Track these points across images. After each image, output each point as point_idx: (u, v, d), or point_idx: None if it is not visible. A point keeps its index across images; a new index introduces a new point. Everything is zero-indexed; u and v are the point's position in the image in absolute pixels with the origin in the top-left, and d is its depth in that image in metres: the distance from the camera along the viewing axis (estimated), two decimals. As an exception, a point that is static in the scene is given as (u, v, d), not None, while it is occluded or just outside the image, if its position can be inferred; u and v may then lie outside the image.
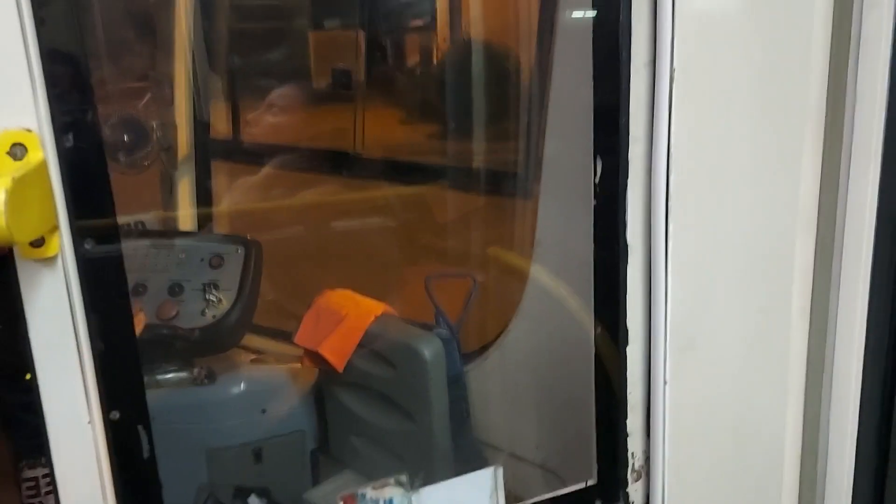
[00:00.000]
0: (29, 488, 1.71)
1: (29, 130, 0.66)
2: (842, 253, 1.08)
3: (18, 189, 0.61)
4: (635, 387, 1.10)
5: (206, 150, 2.05)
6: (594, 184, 1.07)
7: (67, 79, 0.72)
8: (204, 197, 2.08)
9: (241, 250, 1.68)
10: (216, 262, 1.68)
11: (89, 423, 0.72)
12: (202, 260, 1.68)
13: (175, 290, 1.64)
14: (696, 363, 1.10)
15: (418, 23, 2.24)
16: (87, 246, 0.74)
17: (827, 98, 1.06)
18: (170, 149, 1.92)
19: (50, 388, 0.71)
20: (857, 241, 1.03)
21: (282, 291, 1.80)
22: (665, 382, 1.08)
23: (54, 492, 1.42)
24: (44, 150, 0.68)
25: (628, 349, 1.08)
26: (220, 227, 2.10)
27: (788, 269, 1.12)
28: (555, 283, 1.39)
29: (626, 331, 1.07)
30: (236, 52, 2.25)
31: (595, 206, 1.07)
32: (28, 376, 0.71)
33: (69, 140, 0.72)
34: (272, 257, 1.76)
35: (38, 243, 0.68)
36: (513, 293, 1.46)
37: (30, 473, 1.73)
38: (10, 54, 0.66)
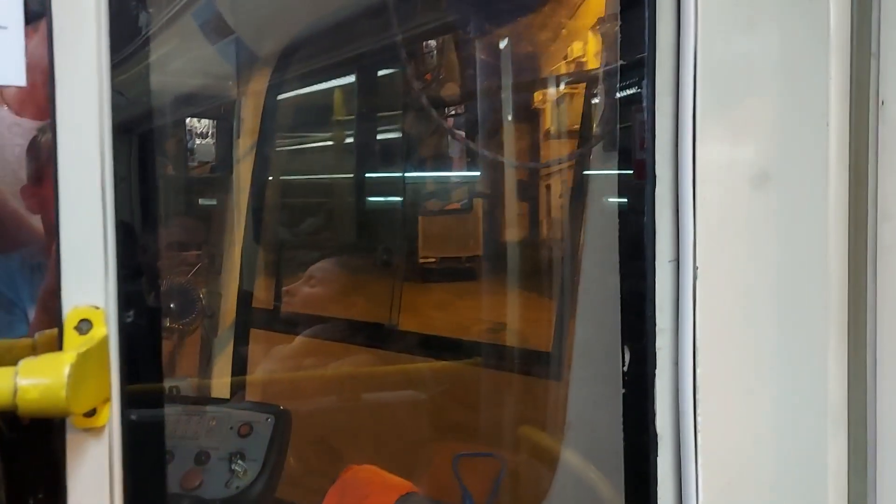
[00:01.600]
0: None
1: (96, 307, 0.72)
2: (876, 449, 1.07)
3: (81, 363, 0.65)
4: (668, 586, 1.05)
5: (247, 319, 2.13)
6: (622, 371, 1.09)
7: (136, 259, 0.79)
8: (239, 364, 2.12)
9: (270, 420, 1.69)
10: (245, 430, 1.69)
11: None
12: (231, 428, 1.70)
13: (201, 458, 1.65)
14: (731, 564, 1.06)
15: (455, 206, 2.38)
16: (133, 417, 0.77)
17: (848, 296, 1.10)
18: (213, 316, 2.00)
19: (80, 560, 0.72)
20: (892, 444, 1.02)
21: (307, 464, 1.79)
22: (699, 583, 1.03)
23: None
24: (107, 326, 0.73)
25: (660, 544, 1.05)
26: (252, 395, 2.12)
27: (822, 465, 1.10)
28: (586, 468, 1.37)
29: (657, 525, 1.05)
30: (283, 226, 2.39)
31: (624, 395, 1.08)
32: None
33: (130, 316, 0.77)
34: (301, 428, 1.76)
35: (90, 413, 0.71)
36: (542, 477, 1.44)
37: None
38: (88, 236, 0.73)
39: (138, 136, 0.84)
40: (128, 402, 0.77)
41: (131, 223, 0.80)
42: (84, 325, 0.71)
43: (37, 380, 0.62)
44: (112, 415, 0.74)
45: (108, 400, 0.73)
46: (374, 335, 2.09)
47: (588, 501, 1.33)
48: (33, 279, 1.67)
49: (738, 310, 1.05)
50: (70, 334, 0.70)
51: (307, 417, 1.87)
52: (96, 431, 0.72)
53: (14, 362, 0.67)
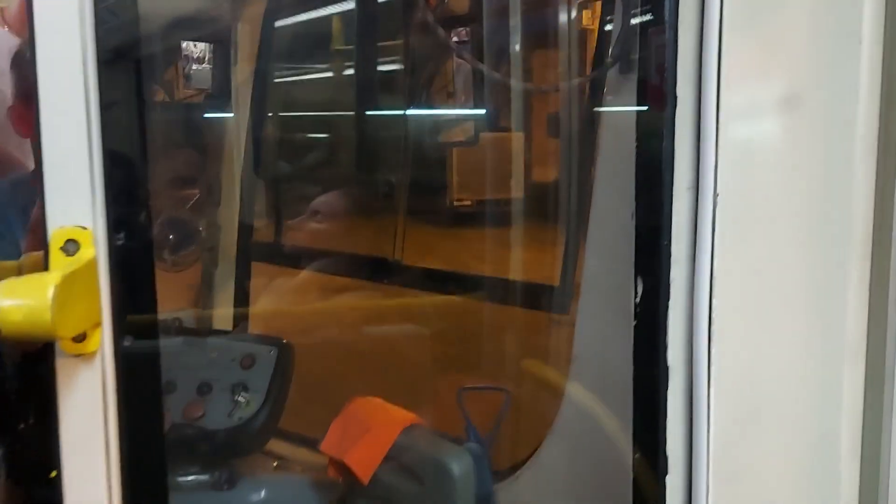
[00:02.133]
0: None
1: (84, 228, 0.68)
2: (894, 385, 1.04)
3: (67, 285, 0.61)
4: (675, 519, 1.04)
5: (248, 252, 2.09)
6: (634, 304, 1.05)
7: (125, 180, 0.75)
8: (241, 297, 2.10)
9: (273, 352, 1.68)
10: (247, 362, 1.68)
11: (109, 526, 0.70)
12: (233, 360, 1.68)
13: (203, 389, 1.64)
14: (740, 497, 1.04)
15: (460, 139, 2.31)
16: (127, 343, 0.74)
17: (873, 227, 1.05)
18: (213, 249, 1.96)
19: (75, 487, 0.70)
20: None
21: (311, 397, 1.78)
22: (707, 516, 1.02)
23: None
24: (95, 248, 0.69)
25: (668, 479, 1.03)
26: (255, 328, 2.11)
27: (837, 400, 1.08)
28: (592, 402, 1.35)
29: (666, 459, 1.03)
30: (283, 159, 2.33)
31: (635, 326, 1.05)
32: (53, 474, 0.69)
33: (120, 238, 0.73)
34: (304, 361, 1.75)
35: (80, 338, 0.68)
36: (547, 410, 1.42)
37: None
38: (73, 155, 0.69)
39: (126, 56, 0.78)
40: (121, 328, 0.73)
41: (119, 144, 0.75)
42: (70, 246, 0.67)
43: (20, 300, 0.58)
44: (104, 340, 0.71)
45: (98, 325, 0.69)
46: (378, 269, 2.06)
47: (594, 434, 1.32)
48: (25, 207, 1.63)
49: (759, 240, 1.01)
50: (56, 255, 0.66)
51: (310, 350, 1.85)
52: (87, 357, 0.69)
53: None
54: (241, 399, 1.64)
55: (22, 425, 1.46)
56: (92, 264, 0.67)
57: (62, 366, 0.68)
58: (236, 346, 1.71)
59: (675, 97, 0.98)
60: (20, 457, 1.47)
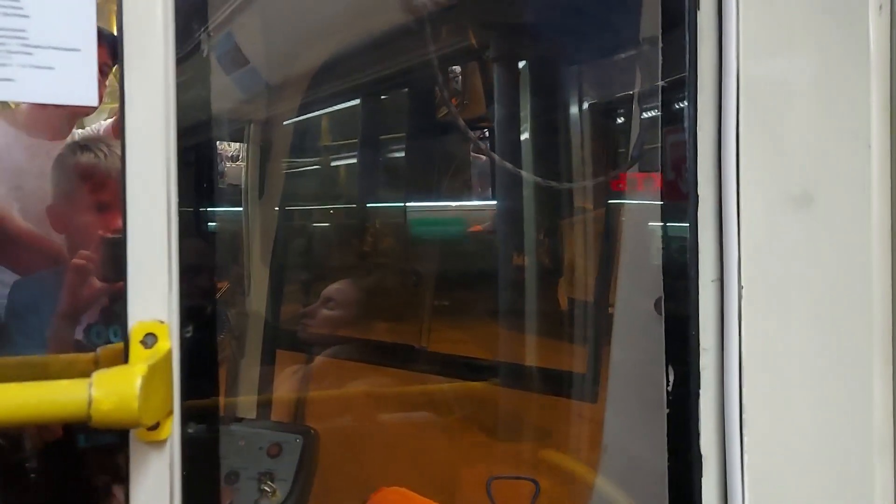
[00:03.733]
0: None
1: (161, 322, 0.73)
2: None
3: (150, 375, 0.66)
4: None
5: (274, 340, 2.13)
6: (666, 391, 1.08)
7: (196, 275, 0.80)
8: (266, 385, 2.13)
9: (299, 440, 1.69)
10: (274, 450, 1.69)
11: None
12: (260, 448, 1.69)
13: (231, 478, 1.64)
14: (777, 587, 1.04)
15: (478, 229, 2.38)
16: (191, 430, 0.78)
17: (893, 316, 1.09)
18: (240, 337, 2.01)
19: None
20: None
21: (337, 485, 1.78)
22: None
23: None
24: (170, 340, 0.74)
25: (705, 568, 1.04)
26: (278, 415, 2.12)
27: (870, 491, 1.09)
28: (621, 492, 1.36)
29: (703, 547, 1.04)
30: (309, 251, 2.41)
31: (668, 415, 1.08)
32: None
33: (189, 331, 0.79)
34: (330, 449, 1.76)
35: (154, 426, 0.72)
36: (578, 501, 1.43)
37: None
38: (155, 255, 0.75)
39: (197, 156, 0.85)
40: (187, 416, 0.78)
41: (192, 240, 0.81)
42: (149, 339, 0.72)
43: (110, 391, 0.63)
44: (173, 429, 0.75)
45: (170, 413, 0.73)
46: (401, 356, 2.09)
47: (624, 525, 1.32)
48: (51, 301, 1.67)
49: (783, 329, 1.05)
50: (136, 348, 0.71)
51: (336, 438, 1.86)
52: (158, 445, 0.73)
53: (76, 376, 0.68)
54: (267, 488, 1.64)
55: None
56: (168, 357, 0.72)
57: (136, 452, 0.72)
58: (264, 435, 1.72)
59: (697, 196, 1.04)
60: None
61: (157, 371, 0.69)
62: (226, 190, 1.96)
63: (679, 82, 1.07)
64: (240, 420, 1.93)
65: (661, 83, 1.10)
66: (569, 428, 1.61)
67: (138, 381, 0.63)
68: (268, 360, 2.15)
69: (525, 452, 1.75)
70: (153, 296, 0.73)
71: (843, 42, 1.08)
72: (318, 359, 2.13)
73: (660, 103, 1.10)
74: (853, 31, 1.08)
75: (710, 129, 1.06)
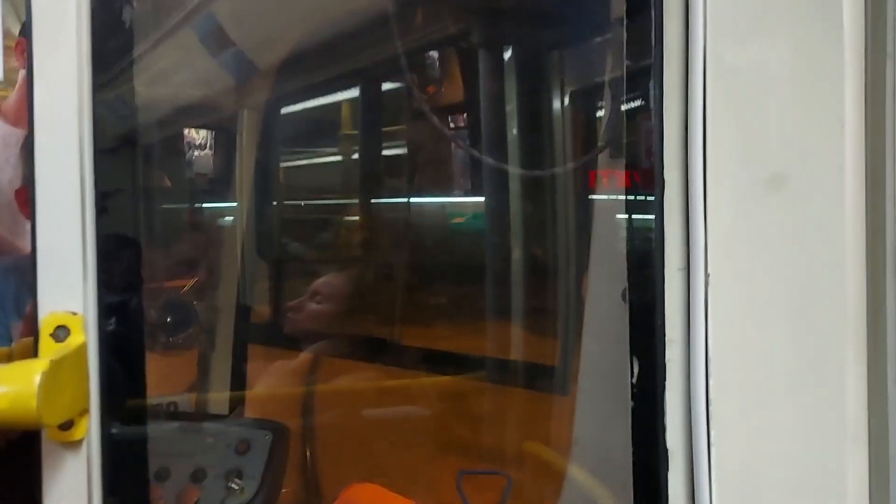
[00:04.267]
0: None
1: (74, 313, 0.68)
2: (899, 468, 1.02)
3: (54, 371, 0.61)
4: None
5: (245, 334, 2.09)
6: (631, 384, 1.04)
7: (119, 267, 0.76)
8: (238, 380, 2.08)
9: (268, 436, 1.65)
10: (242, 447, 1.65)
11: None
12: (228, 445, 1.65)
13: (198, 475, 1.60)
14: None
15: (459, 221, 2.34)
16: (114, 430, 0.73)
17: (867, 304, 1.05)
18: (211, 331, 1.96)
19: (54, 582, 0.68)
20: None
21: (307, 481, 1.74)
22: None
23: None
24: (86, 334, 0.69)
25: (671, 566, 1.00)
26: (252, 411, 2.08)
27: (841, 485, 1.05)
28: (593, 485, 1.32)
29: (669, 544, 1.00)
30: (284, 240, 2.36)
31: (633, 408, 1.04)
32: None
33: (111, 324, 0.74)
34: (300, 444, 1.72)
35: (67, 426, 0.67)
36: (549, 494, 1.39)
37: None
38: (67, 242, 0.70)
39: (124, 145, 0.80)
40: (109, 415, 0.73)
41: (114, 230, 0.76)
42: (61, 332, 0.67)
43: (5, 388, 0.58)
44: (91, 428, 0.70)
45: (86, 412, 0.69)
46: (377, 350, 2.05)
47: (596, 520, 1.28)
48: (19, 293, 1.64)
49: (752, 319, 1.01)
50: (45, 341, 0.66)
51: (306, 434, 1.82)
52: (73, 445, 0.68)
53: (-9, 371, 0.63)
54: (235, 486, 1.60)
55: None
56: (81, 351, 0.68)
57: (47, 453, 0.68)
58: (232, 431, 1.68)
59: (663, 181, 1.00)
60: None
61: (65, 366, 0.64)
62: (194, 180, 1.92)
63: (645, 64, 1.03)
64: (208, 417, 1.89)
65: (625, 63, 1.05)
66: (545, 421, 1.57)
67: (37, 378, 0.58)
68: (240, 354, 2.10)
69: (501, 446, 1.71)
70: (65, 285, 0.68)
71: (816, 21, 1.04)
72: (299, 353, 2.09)
73: (624, 85, 1.06)
74: (827, 10, 1.03)
75: (677, 113, 1.01)
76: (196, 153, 1.91)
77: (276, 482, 1.61)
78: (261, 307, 2.28)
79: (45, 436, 0.68)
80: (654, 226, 1.01)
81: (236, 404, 2.09)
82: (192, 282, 1.94)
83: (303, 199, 2.52)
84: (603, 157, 1.27)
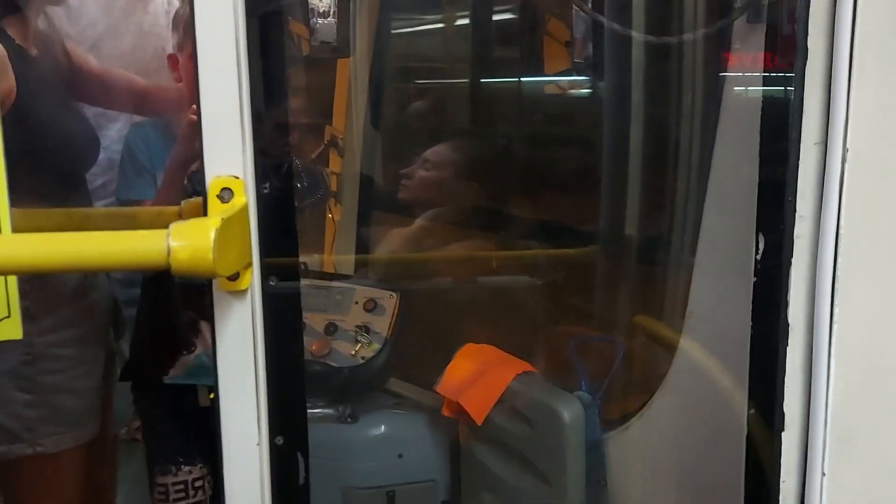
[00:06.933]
0: (160, 493, 1.87)
1: (236, 177, 0.75)
2: None
3: (225, 228, 0.69)
4: (790, 476, 1.04)
5: (370, 201, 2.18)
6: (755, 260, 1.04)
7: (269, 136, 0.82)
8: (363, 244, 2.20)
9: (393, 297, 1.76)
10: (370, 305, 1.77)
11: (258, 444, 0.79)
12: (357, 302, 1.78)
13: (330, 329, 1.74)
14: (858, 457, 1.03)
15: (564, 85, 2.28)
16: (272, 283, 0.82)
17: None
18: (338, 196, 2.06)
19: (229, 409, 0.79)
20: None
21: (428, 340, 1.86)
22: (823, 474, 1.02)
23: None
24: (246, 196, 0.76)
25: (784, 435, 1.03)
26: (375, 274, 2.20)
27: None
28: (705, 357, 1.35)
29: (783, 415, 1.03)
30: (400, 111, 2.39)
31: (755, 283, 1.04)
32: (211, 395, 0.79)
33: (266, 187, 0.81)
34: (421, 307, 1.83)
35: (234, 277, 0.76)
36: (660, 364, 1.43)
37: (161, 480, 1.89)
38: (227, 113, 0.76)
39: (268, 16, 0.84)
40: (267, 269, 0.81)
41: (265, 100, 0.81)
42: (226, 194, 0.75)
43: (186, 241, 0.66)
44: (253, 280, 0.79)
45: (249, 265, 0.77)
46: (489, 220, 2.10)
47: (707, 390, 1.32)
48: (165, 146, 1.77)
49: (890, 200, 0.97)
50: (213, 202, 0.74)
51: (428, 297, 1.93)
52: (239, 294, 0.77)
53: (164, 226, 0.71)
54: (363, 339, 1.74)
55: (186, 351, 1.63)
56: (244, 211, 0.75)
57: (218, 301, 0.77)
58: (360, 291, 1.81)
59: (806, 49, 0.95)
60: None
61: (232, 224, 0.72)
62: (317, 47, 1.95)
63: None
64: (336, 276, 2.03)
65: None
66: (658, 294, 1.59)
67: (213, 233, 0.66)
68: (364, 220, 2.20)
69: (616, 317, 1.75)
70: (227, 152, 0.75)
71: None
72: (416, 221, 2.17)
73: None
74: None
75: (827, -29, 0.94)
76: (319, 21, 1.94)
77: (400, 338, 1.73)
78: (380, 176, 2.36)
79: (216, 285, 0.77)
80: (792, 97, 0.97)
81: (360, 267, 2.22)
82: (319, 149, 2.02)
83: (415, 68, 2.52)
84: (740, 25, 1.21)
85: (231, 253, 0.72)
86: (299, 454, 0.84)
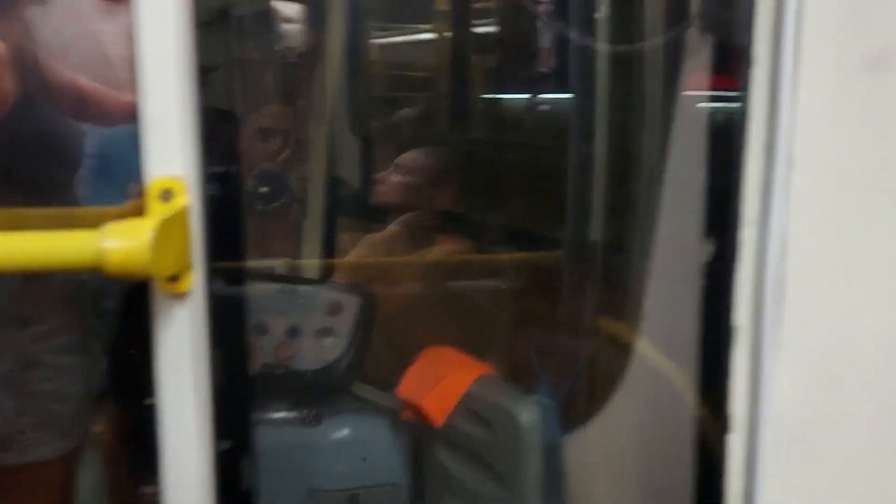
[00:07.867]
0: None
1: (178, 178, 0.75)
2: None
3: (163, 228, 0.69)
4: (737, 477, 1.06)
5: (336, 205, 2.18)
6: (703, 264, 1.06)
7: (217, 135, 0.81)
8: (328, 248, 2.19)
9: (357, 300, 1.76)
10: (334, 309, 1.77)
11: (199, 451, 0.78)
12: (321, 307, 1.77)
13: (293, 332, 1.74)
14: (805, 459, 1.04)
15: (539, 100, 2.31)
16: (216, 286, 0.82)
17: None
18: (302, 201, 2.05)
19: (170, 413, 0.78)
20: None
21: (390, 344, 1.86)
22: (770, 476, 1.03)
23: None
24: (189, 196, 0.76)
25: (730, 437, 1.05)
26: (340, 279, 2.20)
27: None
28: (661, 359, 1.36)
29: (729, 417, 1.04)
30: (374, 116, 2.40)
31: (703, 287, 1.06)
32: (151, 401, 0.78)
33: (211, 189, 0.80)
34: (385, 311, 1.83)
35: (174, 279, 0.76)
36: (618, 367, 1.45)
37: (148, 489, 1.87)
38: (169, 111, 0.76)
39: (217, 18, 0.84)
40: (211, 272, 0.81)
41: (212, 101, 0.81)
42: (166, 195, 0.74)
43: (122, 241, 0.66)
44: (195, 283, 0.78)
45: (190, 268, 0.77)
46: (457, 225, 2.10)
47: (662, 392, 1.33)
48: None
49: (838, 206, 0.98)
50: (153, 203, 0.74)
51: (392, 302, 1.93)
52: (180, 296, 0.77)
53: (106, 228, 0.71)
54: (326, 343, 1.73)
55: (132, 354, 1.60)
56: (185, 212, 0.75)
57: (158, 304, 0.76)
58: (324, 294, 1.80)
59: (751, 57, 0.97)
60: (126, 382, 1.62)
61: (172, 225, 0.71)
62: (282, 52, 1.95)
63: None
64: (301, 280, 2.02)
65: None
66: (623, 298, 1.61)
67: (149, 233, 0.66)
68: (330, 224, 2.20)
69: (579, 320, 1.76)
70: (169, 151, 0.75)
71: None
72: (389, 227, 2.17)
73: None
74: None
75: (774, -19, 0.96)
76: (286, 27, 1.94)
77: (363, 342, 1.73)
78: (351, 180, 2.36)
79: (156, 288, 0.76)
80: (739, 104, 0.98)
81: (327, 271, 2.21)
82: (284, 153, 2.02)
83: (392, 75, 2.53)
84: (692, 34, 1.23)
85: (170, 254, 0.72)
86: (243, 461, 0.84)
